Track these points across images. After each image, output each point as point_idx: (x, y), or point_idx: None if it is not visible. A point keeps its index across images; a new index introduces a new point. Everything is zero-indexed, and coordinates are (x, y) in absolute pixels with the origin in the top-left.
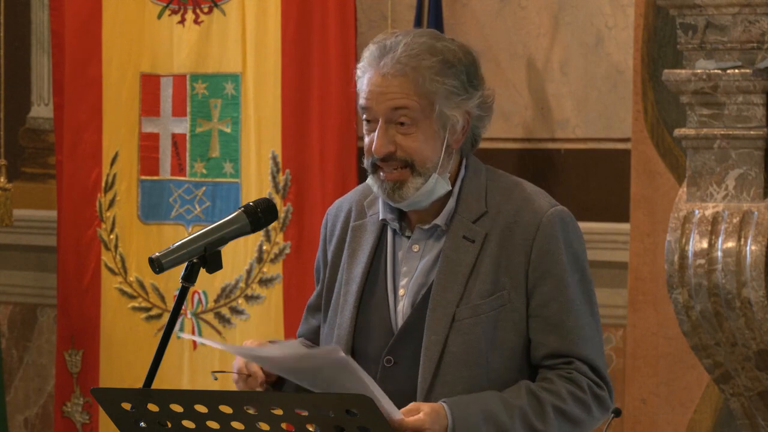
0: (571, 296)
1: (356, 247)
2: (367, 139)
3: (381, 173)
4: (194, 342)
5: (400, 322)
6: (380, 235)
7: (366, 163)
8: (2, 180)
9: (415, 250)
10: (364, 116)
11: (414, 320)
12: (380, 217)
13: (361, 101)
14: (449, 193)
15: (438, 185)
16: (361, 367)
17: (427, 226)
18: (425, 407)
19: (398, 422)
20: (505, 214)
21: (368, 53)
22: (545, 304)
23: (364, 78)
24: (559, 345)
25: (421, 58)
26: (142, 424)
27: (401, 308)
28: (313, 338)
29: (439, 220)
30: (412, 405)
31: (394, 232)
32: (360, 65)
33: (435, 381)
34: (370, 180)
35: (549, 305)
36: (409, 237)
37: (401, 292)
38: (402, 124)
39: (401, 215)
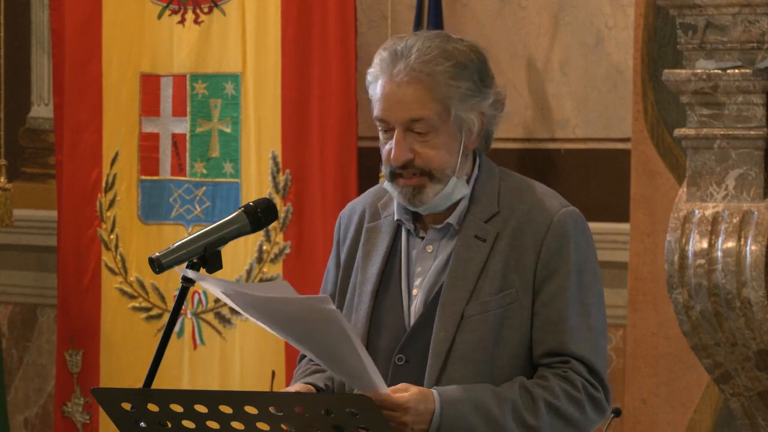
0: (574, 296)
1: (371, 248)
2: (385, 148)
3: (400, 180)
4: (194, 342)
5: (413, 321)
6: (395, 236)
7: (384, 170)
8: (2, 180)
9: (429, 250)
10: (380, 126)
11: (425, 319)
12: (395, 218)
13: (377, 112)
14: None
15: (456, 188)
16: (349, 325)
17: (440, 226)
18: (414, 388)
19: (384, 396)
20: (517, 214)
21: (379, 59)
22: (548, 302)
23: (377, 86)
24: (556, 344)
25: (435, 63)
26: (142, 424)
27: (414, 308)
28: None
29: (452, 219)
30: (401, 384)
31: (408, 232)
32: (371, 71)
33: (441, 377)
34: (388, 186)
35: (551, 304)
36: (423, 238)
37: (415, 291)
38: (420, 132)
39: (416, 216)
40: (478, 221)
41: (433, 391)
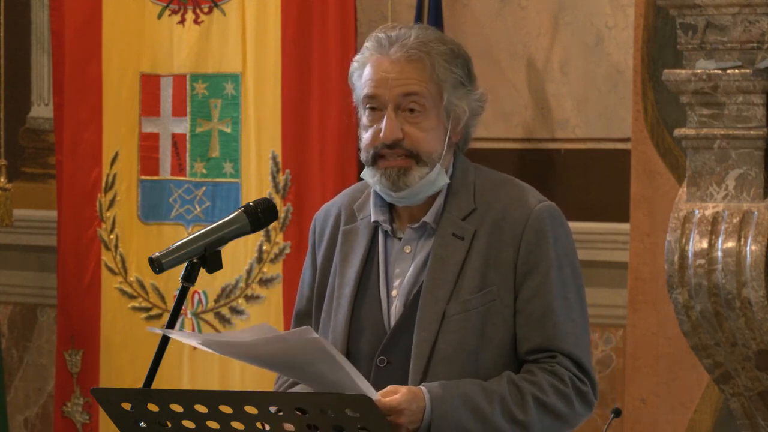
0: (556, 292)
1: (348, 250)
2: (369, 131)
3: (383, 162)
4: None
5: (393, 322)
6: (372, 239)
7: (365, 156)
8: (2, 180)
9: (407, 251)
10: (369, 105)
11: (405, 319)
12: (372, 219)
13: (367, 90)
14: (438, 191)
15: (440, 177)
16: (335, 349)
17: (416, 225)
18: (402, 389)
19: (376, 401)
20: (493, 210)
21: (372, 43)
22: (530, 299)
23: (368, 67)
24: (541, 340)
25: (432, 45)
26: (142, 424)
27: (394, 309)
28: None
29: (428, 218)
30: (390, 387)
31: (386, 234)
32: (359, 57)
33: (425, 378)
34: (368, 173)
35: (533, 300)
36: (400, 238)
37: (394, 293)
38: (412, 111)
39: (392, 217)
40: (455, 219)
41: (422, 388)
